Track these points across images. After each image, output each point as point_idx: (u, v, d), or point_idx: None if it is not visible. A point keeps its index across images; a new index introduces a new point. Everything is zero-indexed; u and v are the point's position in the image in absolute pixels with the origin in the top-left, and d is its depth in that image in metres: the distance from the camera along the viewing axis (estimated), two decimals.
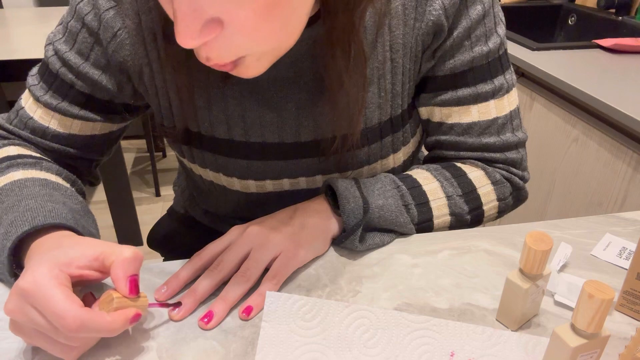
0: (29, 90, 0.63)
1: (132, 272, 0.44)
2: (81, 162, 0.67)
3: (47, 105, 0.61)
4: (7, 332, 0.45)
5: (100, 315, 0.41)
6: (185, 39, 0.39)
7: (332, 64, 0.53)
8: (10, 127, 0.63)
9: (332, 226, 0.59)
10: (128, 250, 0.44)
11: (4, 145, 0.62)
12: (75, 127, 0.63)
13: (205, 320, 0.48)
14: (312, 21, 0.53)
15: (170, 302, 0.49)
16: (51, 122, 0.62)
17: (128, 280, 0.43)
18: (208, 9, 0.39)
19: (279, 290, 0.53)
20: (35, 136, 0.63)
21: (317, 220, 0.58)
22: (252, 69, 0.46)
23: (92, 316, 0.40)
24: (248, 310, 0.49)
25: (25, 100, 0.63)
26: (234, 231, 0.56)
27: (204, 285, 0.51)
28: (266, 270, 0.53)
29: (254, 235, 0.54)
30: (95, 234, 0.55)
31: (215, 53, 0.42)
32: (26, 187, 0.53)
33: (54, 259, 0.43)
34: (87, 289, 0.47)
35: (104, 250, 0.44)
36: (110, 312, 0.42)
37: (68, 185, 0.61)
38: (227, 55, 0.43)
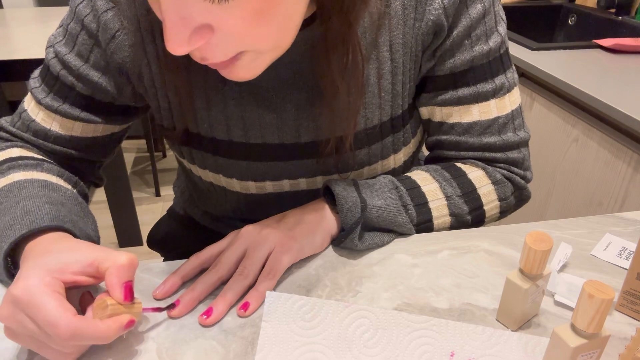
0: (31, 92, 0.63)
1: (126, 278, 0.43)
2: (84, 163, 0.67)
3: (48, 108, 0.61)
4: None
5: (93, 323, 0.41)
6: (174, 46, 0.39)
7: (327, 70, 0.53)
8: (14, 130, 0.64)
9: (330, 223, 0.59)
10: (123, 257, 0.44)
11: (7, 147, 0.62)
12: (77, 129, 0.63)
13: (205, 317, 0.48)
14: (310, 22, 0.53)
15: (164, 305, 0.49)
16: (53, 124, 0.62)
17: (123, 287, 0.43)
18: (196, 16, 0.39)
19: (278, 286, 0.53)
20: (38, 138, 0.63)
21: (313, 217, 0.58)
22: (248, 69, 0.46)
23: (85, 324, 0.40)
24: (245, 306, 0.49)
25: (28, 103, 0.63)
26: (232, 234, 0.57)
27: (202, 284, 0.51)
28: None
29: (249, 233, 0.55)
30: (92, 236, 0.55)
31: (210, 54, 0.42)
32: (25, 188, 0.53)
33: (47, 266, 0.42)
34: (85, 288, 0.47)
35: (98, 256, 0.44)
36: (103, 318, 0.42)
37: (69, 186, 0.61)
38: (222, 55, 0.43)
